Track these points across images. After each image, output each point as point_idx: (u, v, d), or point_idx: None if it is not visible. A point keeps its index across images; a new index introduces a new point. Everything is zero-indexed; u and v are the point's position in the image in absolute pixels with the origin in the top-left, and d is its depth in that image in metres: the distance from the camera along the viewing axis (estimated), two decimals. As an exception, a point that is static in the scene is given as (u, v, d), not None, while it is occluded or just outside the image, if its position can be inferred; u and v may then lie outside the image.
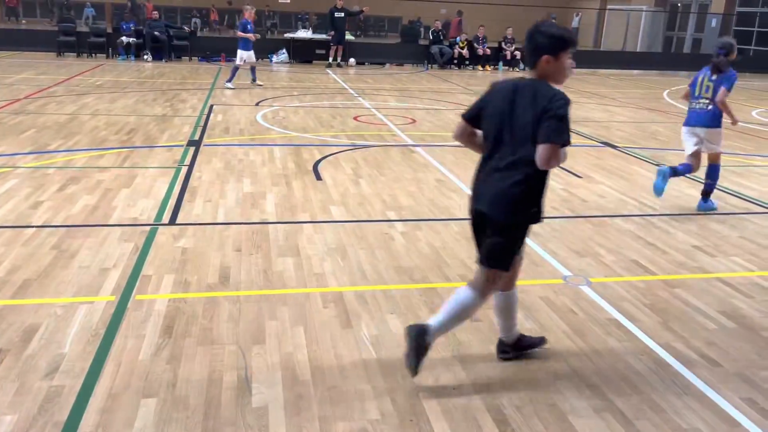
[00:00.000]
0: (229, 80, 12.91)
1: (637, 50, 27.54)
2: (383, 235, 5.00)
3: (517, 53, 19.91)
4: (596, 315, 3.80)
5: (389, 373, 3.09)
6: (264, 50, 18.40)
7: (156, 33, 17.99)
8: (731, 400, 2.97)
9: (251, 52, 13.16)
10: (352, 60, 19.18)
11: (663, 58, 24.49)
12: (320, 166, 7.03)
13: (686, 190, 6.58)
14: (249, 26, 13.06)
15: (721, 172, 6.03)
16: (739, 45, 22.10)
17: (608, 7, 31.94)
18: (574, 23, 35.82)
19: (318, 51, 19.30)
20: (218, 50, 18.74)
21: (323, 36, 19.68)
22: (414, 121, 10.26)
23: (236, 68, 13.09)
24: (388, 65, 19.61)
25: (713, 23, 26.24)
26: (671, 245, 5.02)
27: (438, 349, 3.31)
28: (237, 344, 3.28)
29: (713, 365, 3.28)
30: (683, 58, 24.75)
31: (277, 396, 2.85)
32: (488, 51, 19.80)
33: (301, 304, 3.77)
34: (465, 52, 19.63)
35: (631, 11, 29.35)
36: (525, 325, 3.61)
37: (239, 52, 13.01)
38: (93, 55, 18.26)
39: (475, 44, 19.75)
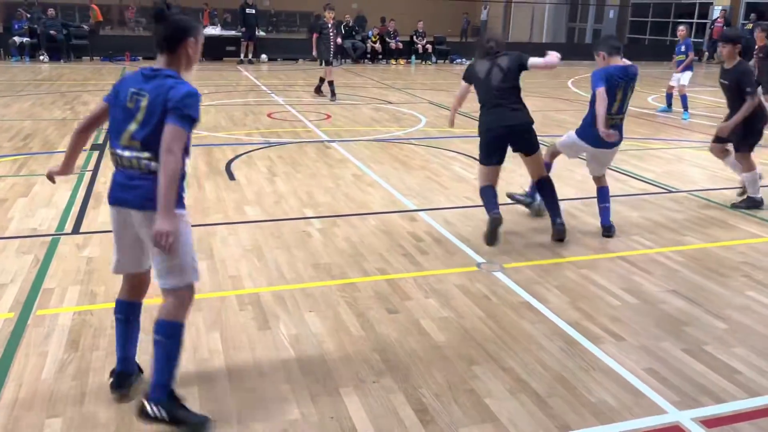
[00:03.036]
0: None
1: (543, 41, 28.55)
2: (300, 232, 4.95)
3: (429, 46, 20.20)
4: (510, 299, 3.93)
5: (309, 372, 3.07)
6: (171, 48, 17.78)
7: (51, 32, 17.02)
8: (635, 372, 3.15)
9: None
10: (264, 56, 18.88)
11: (567, 49, 25.49)
12: (233, 166, 6.88)
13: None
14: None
15: (622, 156, 6.34)
16: (634, 35, 23.29)
17: (514, 0, 32.92)
18: (483, 16, 36.69)
19: (228, 48, 18.86)
20: (122, 49, 17.97)
21: (233, 32, 19.25)
22: (329, 116, 10.23)
23: None
24: (300, 61, 19.43)
25: (611, 14, 27.60)
26: (578, 228, 5.25)
27: (356, 343, 3.32)
28: (149, 354, 3.16)
29: (618, 340, 3.46)
30: (585, 49, 25.85)
31: (193, 403, 2.77)
32: (400, 45, 19.98)
33: (217, 308, 3.68)
34: (378, 46, 19.73)
35: (536, 4, 30.38)
36: (441, 314, 3.69)
37: None
38: (-18, 57, 17.09)
39: (387, 38, 19.89)
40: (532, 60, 4.85)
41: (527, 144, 4.95)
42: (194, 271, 2.67)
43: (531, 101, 13.25)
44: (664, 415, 2.81)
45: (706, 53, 23.20)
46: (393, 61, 19.88)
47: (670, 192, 6.39)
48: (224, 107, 10.77)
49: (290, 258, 4.44)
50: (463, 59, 20.87)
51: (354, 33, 20.02)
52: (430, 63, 20.15)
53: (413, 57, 20.13)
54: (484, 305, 3.83)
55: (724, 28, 22.20)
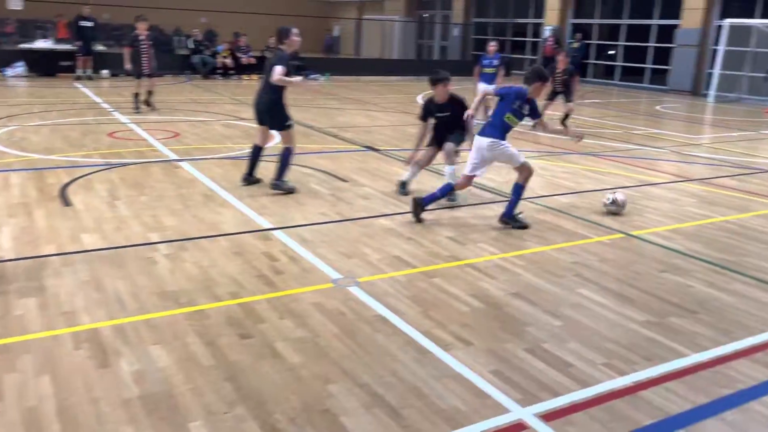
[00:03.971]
0: None
1: (394, 58, 29.52)
2: (145, 259, 4.67)
3: (282, 62, 20.09)
4: (364, 313, 3.96)
5: (154, 410, 2.88)
6: (-5, 63, 16.20)
7: None
8: (483, 375, 3.29)
9: None
10: (105, 71, 17.74)
11: (417, 65, 26.57)
12: (69, 191, 6.36)
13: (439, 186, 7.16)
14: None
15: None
16: (477, 52, 24.48)
17: (364, 17, 33.78)
18: (336, 32, 37.27)
19: (63, 63, 17.51)
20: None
21: (68, 46, 17.91)
22: (177, 134, 9.80)
23: None
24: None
25: (455, 32, 29.17)
26: (429, 238, 5.44)
27: (206, 374, 3.18)
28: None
29: (467, 345, 3.61)
30: (433, 65, 27.12)
31: (18, 461, 2.49)
32: (253, 60, 19.69)
33: (48, 348, 3.36)
34: (229, 61, 19.30)
35: (385, 21, 31.37)
36: (296, 334, 3.64)
37: None
38: None
39: (238, 53, 19.52)
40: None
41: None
42: None
43: (384, 116, 13.62)
44: (508, 413, 2.96)
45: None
46: (245, 77, 19.53)
47: (512, 200, 6.81)
48: (59, 127, 9.95)
49: (133, 288, 4.16)
50: (319, 75, 21.01)
51: (203, 48, 19.44)
52: (284, 78, 20.04)
53: (266, 72, 19.90)
54: (340, 322, 3.83)
55: (555, 46, 24.34)
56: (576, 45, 23.42)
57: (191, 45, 19.51)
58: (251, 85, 18.33)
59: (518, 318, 3.99)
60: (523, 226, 5.77)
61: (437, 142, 6.87)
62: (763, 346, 3.74)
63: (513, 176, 6.01)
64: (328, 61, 25.16)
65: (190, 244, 5.03)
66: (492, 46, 12.24)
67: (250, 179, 6.90)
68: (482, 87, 11.78)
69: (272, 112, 6.59)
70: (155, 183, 6.81)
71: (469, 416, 2.93)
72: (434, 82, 6.69)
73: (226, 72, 19.36)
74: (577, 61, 22.46)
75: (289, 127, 6.66)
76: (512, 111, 5.75)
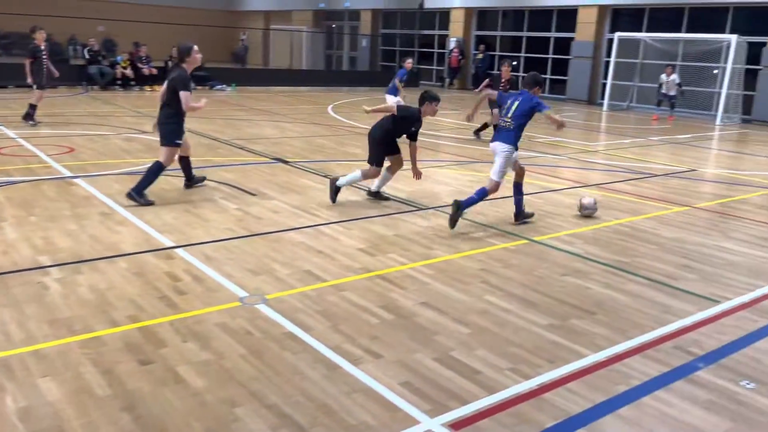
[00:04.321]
0: None
1: (303, 68, 29.38)
2: (34, 285, 4.36)
3: (187, 73, 19.52)
4: (273, 331, 3.87)
5: (42, 449, 2.67)
6: None
7: None
8: (392, 388, 3.29)
9: None
10: (-10, 83, 16.58)
11: (326, 75, 26.57)
12: (-52, 213, 5.86)
13: (350, 197, 7.18)
14: None
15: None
16: (385, 62, 24.95)
17: (271, 27, 33.45)
18: (243, 43, 36.61)
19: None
20: None
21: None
22: (72, 149, 9.28)
23: None
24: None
25: (364, 43, 29.42)
26: (339, 251, 5.40)
27: (102, 405, 2.99)
28: None
29: (376, 358, 3.60)
30: (343, 75, 27.24)
31: None
32: (154, 71, 19.01)
33: None
34: (129, 72, 18.54)
35: (293, 32, 31.20)
36: (200, 357, 3.50)
37: None
38: None
39: (139, 64, 18.80)
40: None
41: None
42: None
43: (293, 127, 13.50)
44: (417, 425, 2.96)
45: (447, 80, 25.85)
46: (148, 88, 18.82)
47: (420, 209, 6.91)
48: (-63, 143, 9.18)
49: (20, 316, 3.87)
50: (224, 85, 20.56)
51: (101, 58, 18.58)
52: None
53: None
54: (247, 342, 3.72)
55: (460, 57, 25.03)
56: (480, 56, 24.23)
57: (87, 55, 18.58)
58: (154, 96, 17.68)
59: (427, 327, 4.02)
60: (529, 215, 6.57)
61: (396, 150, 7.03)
62: (654, 342, 3.96)
63: (426, 188, 6.09)
64: (236, 72, 24.68)
65: (86, 267, 4.74)
66: (407, 63, 13.09)
67: (192, 183, 7.26)
68: (393, 99, 11.97)
69: (164, 126, 6.66)
70: (47, 202, 6.40)
71: (379, 431, 2.91)
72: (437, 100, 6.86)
73: (126, 83, 18.57)
74: (482, 71, 23.23)
75: (174, 145, 6.67)
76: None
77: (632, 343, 3.92)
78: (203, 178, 7.38)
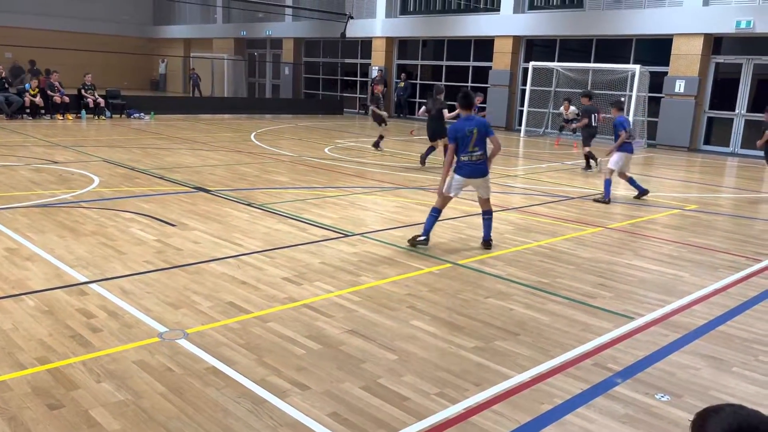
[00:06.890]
0: None
1: (225, 96, 29.00)
2: (-71, 329, 4.03)
3: (101, 101, 18.86)
4: (194, 367, 3.72)
5: None
6: None
7: None
8: (320, 420, 3.22)
9: None
10: None
11: (248, 103, 26.32)
12: None
13: (275, 226, 7.07)
14: None
15: (303, 205, 6.65)
16: (308, 90, 24.98)
17: (191, 54, 32.91)
18: (161, 69, 35.87)
19: None
20: None
21: None
22: (-26, 181, 8.72)
23: None
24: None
25: (287, 71, 29.40)
26: (263, 281, 5.30)
27: (6, 458, 2.77)
28: None
29: (303, 389, 3.52)
30: (266, 103, 27.07)
31: None
32: (67, 99, 18.25)
33: None
34: (38, 100, 17.71)
35: (215, 59, 30.81)
36: (116, 398, 3.32)
37: None
38: None
39: (50, 91, 18.00)
40: None
41: None
42: None
43: (215, 155, 13.24)
44: (346, 457, 2.91)
45: (370, 107, 26.13)
46: (59, 116, 18.02)
47: (346, 236, 6.89)
48: None
49: None
50: (142, 114, 19.98)
51: (7, 85, 17.68)
52: (104, 118, 18.79)
53: (83, 111, 18.54)
54: (167, 379, 3.56)
55: (382, 85, 25.38)
56: (402, 84, 24.71)
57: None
58: (67, 125, 16.95)
59: (354, 356, 3.98)
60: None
61: None
62: (575, 360, 4.08)
63: (352, 214, 6.08)
64: (154, 100, 24.06)
65: (-12, 307, 4.43)
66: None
67: None
68: None
69: None
70: (-55, 238, 5.97)
71: (307, 465, 2.84)
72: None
73: (36, 111, 17.72)
74: (404, 99, 23.67)
75: None
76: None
77: (554, 362, 4.02)
78: None
